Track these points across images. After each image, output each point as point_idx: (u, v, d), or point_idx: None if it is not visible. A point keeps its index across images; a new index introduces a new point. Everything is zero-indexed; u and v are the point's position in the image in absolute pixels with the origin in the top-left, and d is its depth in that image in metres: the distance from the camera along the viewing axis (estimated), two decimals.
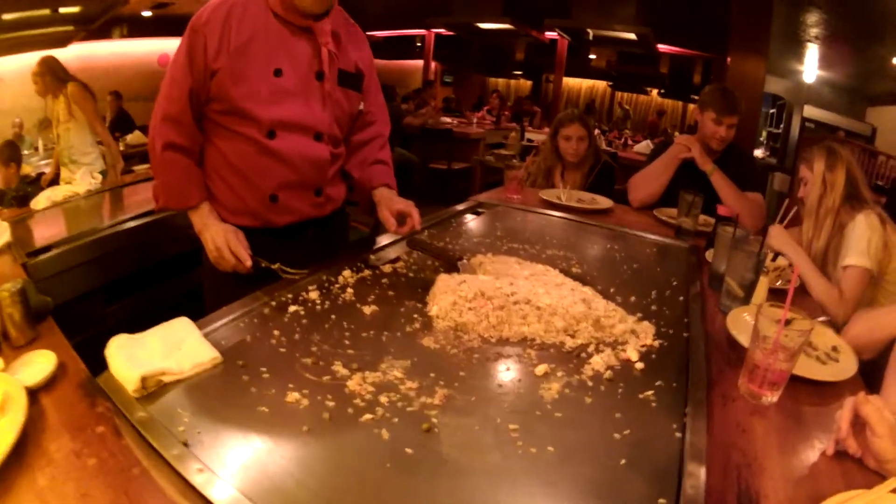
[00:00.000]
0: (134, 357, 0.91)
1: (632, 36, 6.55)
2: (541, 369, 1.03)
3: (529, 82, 13.85)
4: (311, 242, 1.61)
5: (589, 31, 6.83)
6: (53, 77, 3.36)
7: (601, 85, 12.84)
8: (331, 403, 0.88)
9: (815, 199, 1.88)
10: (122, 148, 4.49)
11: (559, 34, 8.21)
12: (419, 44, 11.61)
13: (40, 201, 2.53)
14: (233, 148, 1.47)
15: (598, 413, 0.92)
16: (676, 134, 2.66)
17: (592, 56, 10.86)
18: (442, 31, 10.65)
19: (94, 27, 5.72)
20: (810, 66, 7.43)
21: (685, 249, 1.93)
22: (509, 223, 2.08)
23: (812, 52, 6.67)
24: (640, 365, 1.08)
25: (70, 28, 5.58)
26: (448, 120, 7.92)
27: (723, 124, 2.38)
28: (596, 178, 2.94)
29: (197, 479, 0.69)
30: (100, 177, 3.09)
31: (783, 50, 6.14)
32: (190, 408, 0.85)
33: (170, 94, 1.42)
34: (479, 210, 2.23)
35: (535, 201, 2.43)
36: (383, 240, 1.69)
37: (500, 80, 13.99)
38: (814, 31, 5.61)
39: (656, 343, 1.18)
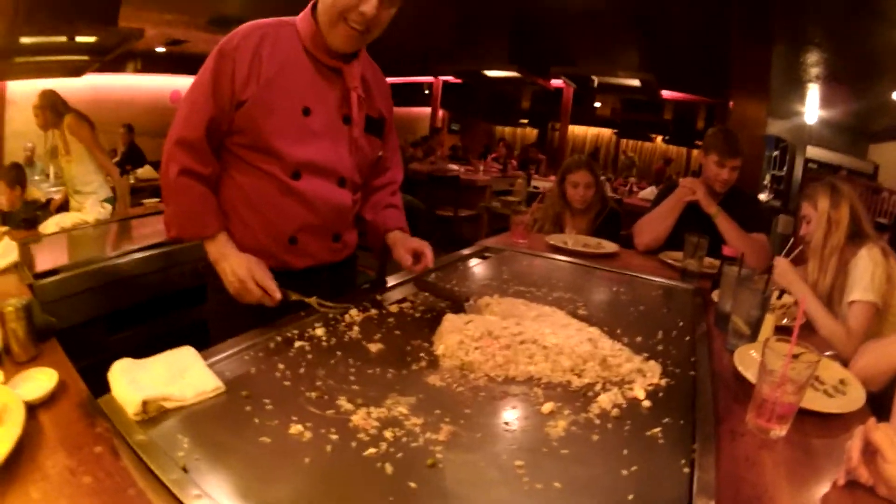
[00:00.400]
0: (137, 381, 0.92)
1: (636, 83, 6.68)
2: (547, 407, 1.03)
3: (535, 130, 14.08)
4: (322, 286, 1.55)
5: (594, 77, 6.98)
6: (53, 111, 3.42)
7: (606, 133, 13.02)
8: (334, 437, 0.87)
9: (819, 238, 1.88)
10: (132, 181, 4.56)
11: (565, 82, 8.39)
12: (427, 91, 11.88)
13: (49, 226, 2.56)
14: (254, 185, 1.42)
15: (606, 449, 0.91)
16: (680, 178, 2.68)
17: (597, 104, 11.06)
18: (450, 78, 10.90)
19: (108, 58, 5.84)
20: (811, 107, 7.51)
21: (690, 291, 1.92)
22: (516, 267, 2.09)
23: (813, 92, 6.76)
24: (647, 403, 1.08)
25: (85, 58, 5.69)
26: (455, 167, 8.02)
27: (725, 167, 2.41)
28: (602, 223, 2.96)
29: None
30: (109, 206, 3.13)
31: (784, 91, 6.23)
32: (190, 434, 0.85)
33: (188, 119, 1.35)
34: (486, 254, 2.24)
35: (541, 246, 2.45)
36: (391, 281, 1.70)
37: (507, 129, 14.24)
38: (814, 71, 5.68)
39: (663, 382, 1.17)
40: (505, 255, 2.28)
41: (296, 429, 0.88)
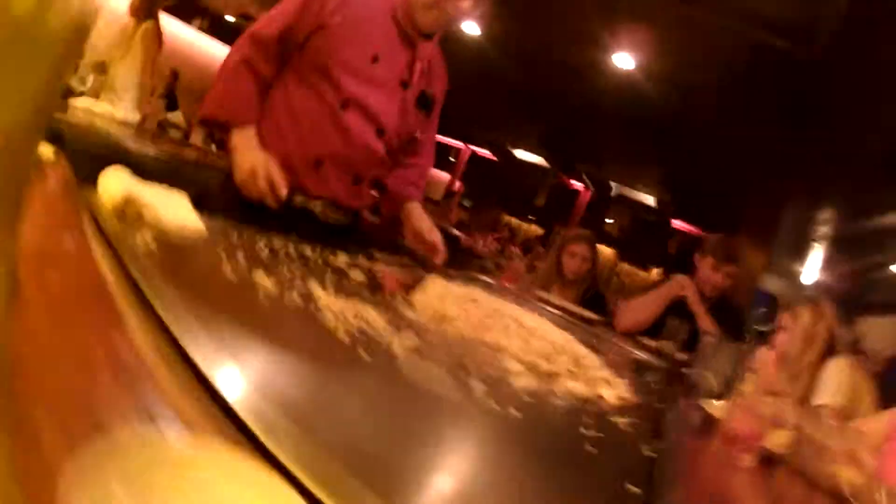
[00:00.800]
0: (125, 180, 0.87)
1: (651, 201, 6.85)
2: (513, 366, 0.98)
3: (542, 230, 14.25)
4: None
5: (612, 184, 7.15)
6: (150, 4, 3.38)
7: (608, 252, 13.18)
8: (297, 301, 0.83)
9: (796, 352, 1.88)
10: (161, 118, 4.48)
11: (584, 184, 8.57)
12: (452, 158, 12.05)
13: (78, 104, 2.55)
14: (303, 99, 1.46)
15: (566, 411, 0.86)
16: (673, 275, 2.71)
17: (609, 220, 11.26)
18: (477, 149, 11.00)
19: None
20: (811, 268, 7.55)
21: (664, 368, 1.88)
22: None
23: (816, 253, 6.78)
24: (612, 401, 1.03)
25: None
26: (458, 233, 8.08)
27: (720, 271, 2.43)
28: (589, 301, 2.93)
29: None
30: (138, 116, 3.10)
31: (788, 246, 6.25)
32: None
33: (270, 17, 1.43)
34: None
35: (528, 295, 2.42)
36: None
37: (513, 219, 14.40)
38: (822, 230, 5.72)
39: (634, 398, 1.12)
40: (493, 287, 2.24)
41: (263, 280, 0.83)
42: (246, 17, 7.50)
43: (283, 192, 1.33)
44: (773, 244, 5.33)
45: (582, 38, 4.11)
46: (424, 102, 1.62)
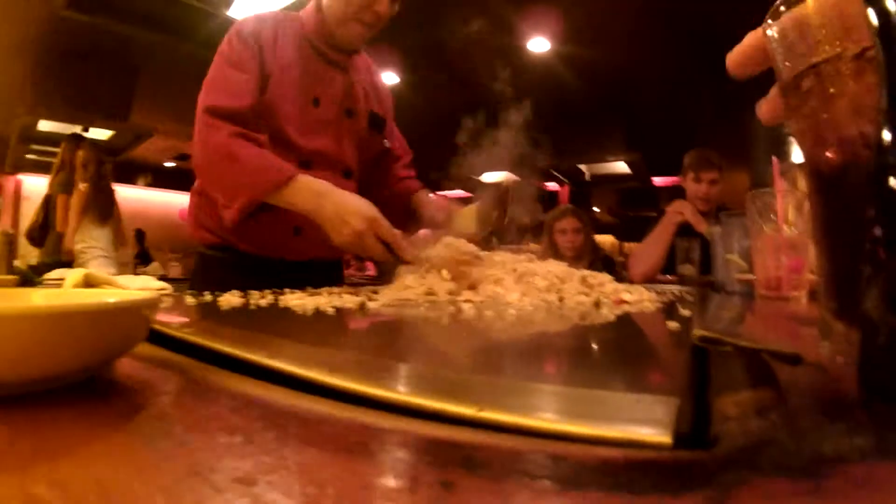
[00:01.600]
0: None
1: (624, 167, 6.83)
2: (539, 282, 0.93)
3: (538, 246, 14.17)
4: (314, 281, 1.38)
5: (583, 167, 7.14)
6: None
7: (608, 240, 13.05)
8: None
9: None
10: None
11: (557, 180, 8.55)
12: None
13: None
14: None
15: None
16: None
17: (596, 209, 11.21)
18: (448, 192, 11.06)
19: (119, 159, 6.06)
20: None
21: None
22: None
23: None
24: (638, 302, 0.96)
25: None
26: None
27: (703, 181, 2.39)
28: (597, 269, 2.88)
29: None
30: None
31: (767, 155, 6.24)
32: None
33: (226, 88, 1.25)
34: None
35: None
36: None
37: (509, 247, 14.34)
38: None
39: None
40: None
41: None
42: (183, 158, 7.70)
43: (407, 256, 1.12)
44: (750, 160, 5.29)
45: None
46: (375, 123, 1.52)
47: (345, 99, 1.41)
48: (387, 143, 1.59)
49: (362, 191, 1.38)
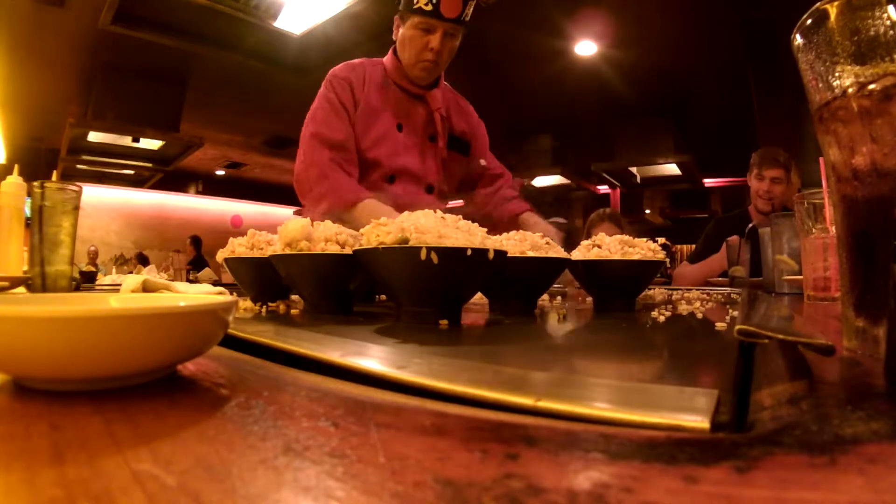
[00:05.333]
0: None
1: (675, 169, 6.71)
2: None
3: None
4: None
5: (633, 170, 7.04)
6: None
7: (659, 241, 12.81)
8: None
9: None
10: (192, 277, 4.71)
11: (609, 184, 8.48)
12: None
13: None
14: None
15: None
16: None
17: (647, 210, 11.01)
18: None
19: (170, 168, 6.24)
20: None
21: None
22: None
23: None
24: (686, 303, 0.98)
25: (148, 165, 6.08)
26: None
27: (765, 179, 2.34)
28: None
29: None
30: None
31: (816, 156, 6.02)
32: None
33: (330, 125, 1.56)
34: None
35: None
36: None
37: None
38: None
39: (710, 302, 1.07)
40: None
41: None
42: (234, 166, 7.89)
43: None
44: (801, 160, 5.12)
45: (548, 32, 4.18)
46: (456, 144, 1.76)
47: (426, 126, 1.68)
48: (483, 162, 1.84)
49: (474, 212, 1.69)
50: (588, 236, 2.84)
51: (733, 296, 1.24)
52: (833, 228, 0.88)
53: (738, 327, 0.31)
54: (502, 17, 3.82)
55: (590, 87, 5.03)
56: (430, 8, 1.47)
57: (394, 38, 1.65)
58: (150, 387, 0.33)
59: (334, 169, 1.52)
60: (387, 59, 1.69)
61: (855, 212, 0.33)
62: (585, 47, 4.54)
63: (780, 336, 0.29)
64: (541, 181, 8.39)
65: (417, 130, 1.67)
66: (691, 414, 0.24)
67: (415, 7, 1.49)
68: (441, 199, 1.74)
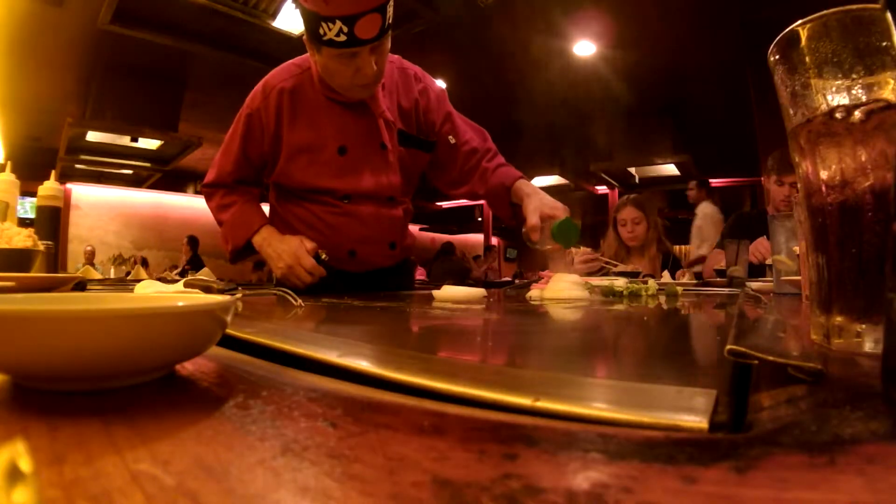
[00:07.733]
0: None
1: (673, 169, 6.74)
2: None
3: (589, 249, 14.00)
4: (380, 287, 1.63)
5: (632, 170, 7.07)
6: None
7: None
8: None
9: None
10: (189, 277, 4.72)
11: (607, 184, 8.51)
12: (479, 218, 12.13)
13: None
14: (309, 210, 1.53)
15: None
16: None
17: None
18: None
19: (168, 168, 6.24)
20: None
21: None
22: None
23: None
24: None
25: (147, 165, 6.12)
26: (508, 278, 8.12)
27: (784, 185, 2.33)
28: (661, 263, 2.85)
29: None
30: None
31: None
32: None
33: (221, 169, 1.55)
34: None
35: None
36: None
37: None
38: None
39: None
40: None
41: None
42: None
43: (321, 271, 1.41)
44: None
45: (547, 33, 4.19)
46: (410, 141, 1.57)
47: (372, 137, 1.48)
48: (451, 139, 1.62)
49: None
50: (615, 224, 2.89)
51: (733, 296, 1.25)
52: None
53: (728, 347, 0.31)
54: (502, 17, 3.82)
55: (588, 87, 5.03)
56: (343, 38, 1.22)
57: (311, 60, 1.43)
58: (148, 387, 0.33)
59: (222, 210, 1.56)
60: (315, 72, 1.44)
61: (828, 219, 0.36)
62: (584, 47, 4.55)
63: (771, 358, 0.30)
64: (539, 181, 8.43)
65: (365, 145, 1.48)
66: (690, 414, 0.24)
67: (325, 40, 1.23)
68: (403, 202, 1.62)
